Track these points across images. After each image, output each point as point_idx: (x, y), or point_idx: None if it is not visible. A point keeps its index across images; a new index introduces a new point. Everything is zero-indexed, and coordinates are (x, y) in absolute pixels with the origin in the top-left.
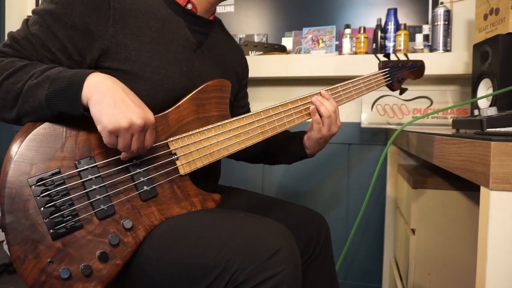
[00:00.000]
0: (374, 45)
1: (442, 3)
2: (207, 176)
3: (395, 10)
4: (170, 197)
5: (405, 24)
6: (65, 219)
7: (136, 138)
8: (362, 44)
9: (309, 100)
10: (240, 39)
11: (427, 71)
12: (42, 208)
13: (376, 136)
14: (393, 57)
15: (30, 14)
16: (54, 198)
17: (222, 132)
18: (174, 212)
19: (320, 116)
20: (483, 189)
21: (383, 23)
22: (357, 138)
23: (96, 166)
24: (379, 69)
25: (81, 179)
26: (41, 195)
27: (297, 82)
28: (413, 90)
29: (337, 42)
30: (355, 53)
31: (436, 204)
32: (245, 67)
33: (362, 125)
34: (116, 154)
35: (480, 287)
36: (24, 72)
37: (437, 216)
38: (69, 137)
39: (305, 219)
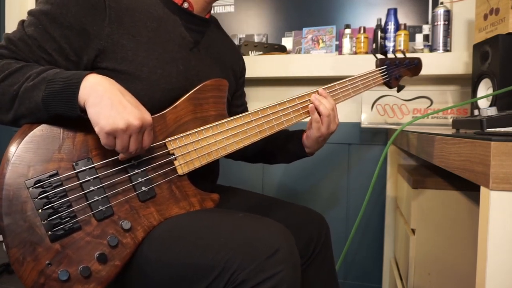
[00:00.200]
0: (374, 45)
1: (442, 3)
2: (205, 176)
3: (395, 10)
4: (168, 197)
5: (405, 24)
6: (63, 221)
7: (134, 139)
8: (362, 44)
9: (307, 99)
10: (240, 39)
11: (427, 71)
12: (40, 210)
13: (376, 136)
14: (390, 55)
15: None
16: (52, 199)
17: (220, 132)
18: (173, 213)
19: (319, 114)
20: (483, 189)
21: (383, 23)
22: (357, 138)
23: (94, 167)
24: (376, 66)
25: (79, 180)
26: (38, 197)
27: (297, 82)
28: (413, 90)
29: (337, 42)
30: (355, 53)
31: (436, 204)
32: (242, 66)
33: (362, 125)
34: (114, 155)
35: (480, 287)
36: (21, 74)
37: (437, 216)
38: (67, 138)
39: (305, 219)
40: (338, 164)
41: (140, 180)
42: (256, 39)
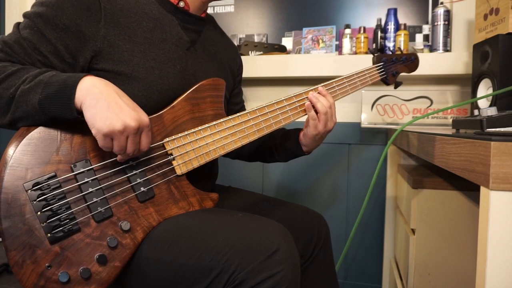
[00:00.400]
0: (374, 45)
1: (442, 3)
2: (204, 176)
3: (395, 10)
4: (167, 197)
5: (405, 24)
6: (62, 223)
7: (131, 140)
8: (362, 44)
9: (304, 97)
10: (240, 39)
11: (427, 71)
12: (39, 213)
13: (376, 136)
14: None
15: None
16: (51, 202)
17: (218, 131)
18: (172, 213)
19: (317, 112)
20: (483, 189)
21: (383, 23)
22: (357, 138)
23: (92, 168)
24: (373, 63)
25: (77, 182)
26: (37, 200)
27: (297, 82)
28: (413, 90)
29: (337, 42)
30: (355, 53)
31: (436, 204)
32: (239, 64)
33: (362, 125)
34: (112, 156)
35: (480, 287)
36: (17, 77)
37: (437, 216)
38: (64, 140)
39: (304, 219)
40: (338, 164)
41: (138, 180)
42: (256, 39)
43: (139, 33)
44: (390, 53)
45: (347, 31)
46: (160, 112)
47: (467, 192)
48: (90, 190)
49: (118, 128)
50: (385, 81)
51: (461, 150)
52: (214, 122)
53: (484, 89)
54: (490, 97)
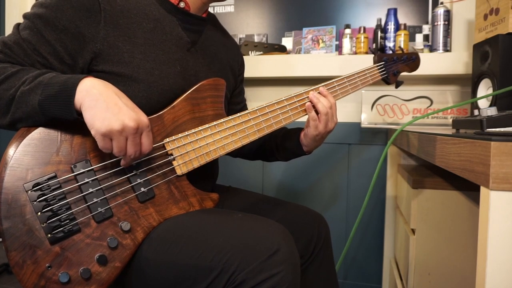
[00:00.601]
0: (374, 45)
1: (442, 3)
2: (204, 176)
3: (395, 10)
4: (167, 198)
5: (405, 24)
6: (62, 223)
7: (131, 141)
8: (362, 44)
9: (305, 97)
10: (240, 39)
11: (427, 71)
12: (39, 213)
13: (376, 136)
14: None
15: None
16: (51, 202)
17: (218, 131)
18: (172, 213)
19: (317, 113)
20: (483, 189)
21: (383, 23)
22: (357, 138)
23: (92, 169)
24: (374, 63)
25: (78, 182)
26: (37, 200)
27: (297, 82)
28: (413, 90)
29: (337, 42)
30: (355, 53)
31: (436, 204)
32: (241, 63)
33: (362, 125)
34: (112, 156)
35: (480, 287)
36: (17, 78)
37: (437, 216)
38: (64, 141)
39: (304, 219)
40: (338, 164)
41: (139, 181)
42: (256, 39)
43: (139, 34)
44: (391, 52)
45: (347, 31)
46: (160, 112)
47: (467, 192)
48: (90, 190)
49: (116, 128)
50: (386, 81)
51: (461, 150)
52: (215, 122)
53: (484, 89)
54: (490, 97)
